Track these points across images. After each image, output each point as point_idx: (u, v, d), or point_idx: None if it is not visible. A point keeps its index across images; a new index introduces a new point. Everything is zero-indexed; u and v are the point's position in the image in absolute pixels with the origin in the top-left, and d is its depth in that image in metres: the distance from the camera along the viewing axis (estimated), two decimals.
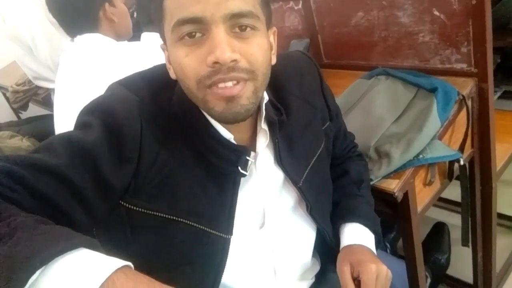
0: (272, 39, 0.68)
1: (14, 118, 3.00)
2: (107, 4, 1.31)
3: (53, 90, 1.94)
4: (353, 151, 0.96)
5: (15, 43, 1.95)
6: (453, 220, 1.67)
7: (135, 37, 1.46)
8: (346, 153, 0.94)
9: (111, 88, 0.68)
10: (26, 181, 0.51)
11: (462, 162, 1.05)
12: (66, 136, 0.59)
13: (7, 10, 1.82)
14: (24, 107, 2.56)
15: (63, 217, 0.55)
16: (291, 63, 0.80)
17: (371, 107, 1.11)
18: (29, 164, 0.53)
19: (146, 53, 1.24)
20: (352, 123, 1.04)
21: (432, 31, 1.19)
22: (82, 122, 0.62)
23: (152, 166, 0.62)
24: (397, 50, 1.30)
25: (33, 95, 2.43)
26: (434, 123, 1.01)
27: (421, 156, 0.98)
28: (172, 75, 0.65)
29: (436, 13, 1.16)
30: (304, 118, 0.77)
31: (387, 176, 0.97)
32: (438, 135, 1.03)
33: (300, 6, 1.50)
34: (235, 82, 0.58)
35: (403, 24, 1.25)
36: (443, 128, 1.04)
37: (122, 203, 0.62)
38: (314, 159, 0.79)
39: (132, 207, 0.62)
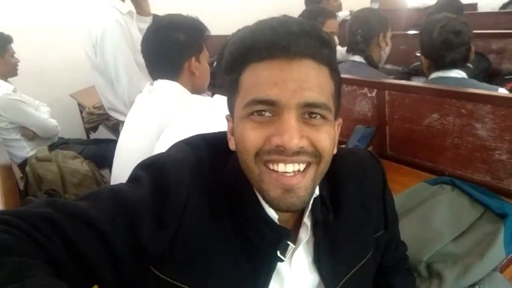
0: (336, 129, 0.66)
1: (84, 136, 3.20)
2: (194, 58, 1.39)
3: (122, 122, 2.06)
4: (402, 264, 0.88)
5: (99, 74, 2.11)
6: None
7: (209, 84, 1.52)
8: (394, 264, 0.86)
9: (173, 147, 0.69)
10: (64, 232, 0.53)
11: None
12: (115, 189, 0.60)
13: (100, 45, 1.99)
14: (94, 129, 2.73)
15: (90, 273, 0.55)
16: (356, 161, 0.76)
17: (430, 217, 1.04)
18: (72, 213, 0.54)
19: (216, 113, 1.27)
20: (405, 229, 0.96)
21: (511, 151, 1.12)
22: (135, 176, 0.63)
23: (189, 237, 0.61)
24: (469, 161, 1.23)
25: (105, 120, 2.59)
26: (497, 252, 0.92)
27: (477, 287, 0.88)
28: (232, 146, 0.65)
29: None
30: (355, 222, 0.73)
31: None
32: (500, 267, 0.93)
33: (373, 94, 1.49)
34: (296, 170, 0.57)
35: (479, 137, 1.19)
36: (507, 261, 0.94)
37: (152, 269, 0.61)
38: (356, 268, 0.73)
39: (161, 275, 0.61)
